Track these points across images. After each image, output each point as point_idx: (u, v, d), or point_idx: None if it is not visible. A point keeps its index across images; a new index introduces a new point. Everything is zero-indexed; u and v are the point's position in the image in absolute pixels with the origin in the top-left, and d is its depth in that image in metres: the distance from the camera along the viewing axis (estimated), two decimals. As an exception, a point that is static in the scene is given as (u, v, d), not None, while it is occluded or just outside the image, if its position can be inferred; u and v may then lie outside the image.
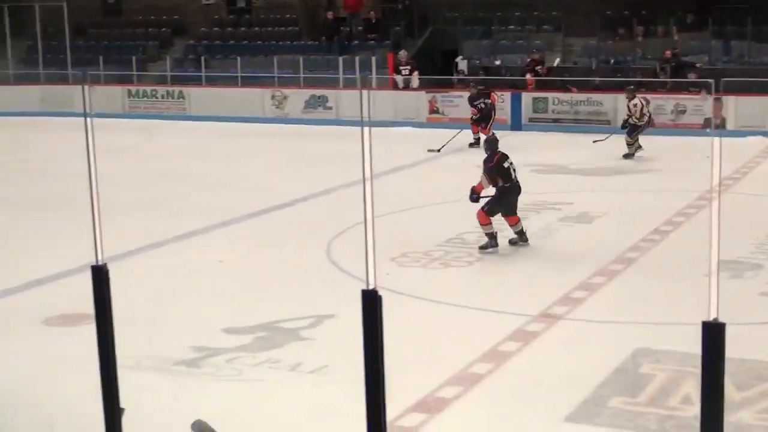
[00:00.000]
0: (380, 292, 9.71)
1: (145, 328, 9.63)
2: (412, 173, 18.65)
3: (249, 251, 12.94)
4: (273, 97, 27.73)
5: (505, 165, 12.71)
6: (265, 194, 16.53)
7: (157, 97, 29.05)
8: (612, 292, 10.94)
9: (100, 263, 3.41)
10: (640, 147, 20.58)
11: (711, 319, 2.91)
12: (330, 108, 26.78)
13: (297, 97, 27.28)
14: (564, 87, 25.65)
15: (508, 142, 22.59)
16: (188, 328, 9.76)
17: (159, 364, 8.76)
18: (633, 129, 20.52)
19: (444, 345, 9.19)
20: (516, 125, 25.04)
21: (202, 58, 29.88)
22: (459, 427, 7.47)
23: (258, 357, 8.90)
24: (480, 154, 13.82)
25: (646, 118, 20.73)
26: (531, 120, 25.18)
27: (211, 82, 29.33)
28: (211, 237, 13.84)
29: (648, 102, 21.23)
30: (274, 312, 10.14)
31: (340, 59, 28.23)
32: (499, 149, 12.91)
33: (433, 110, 25.99)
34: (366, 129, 3.04)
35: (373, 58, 27.97)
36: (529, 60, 26.86)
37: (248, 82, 28.62)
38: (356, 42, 30.07)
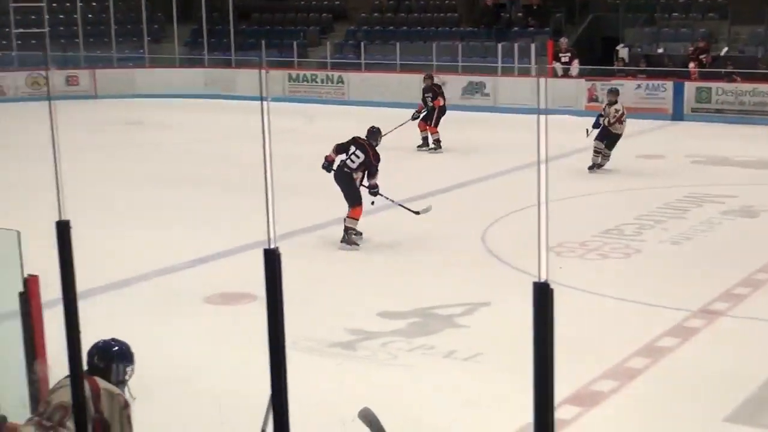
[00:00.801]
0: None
1: (303, 309, 9.78)
2: (569, 162, 18.41)
3: (404, 236, 13.00)
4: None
5: None
6: (421, 180, 16.58)
7: (316, 82, 29.42)
8: (775, 286, 10.64)
9: (272, 247, 3.46)
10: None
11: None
12: (487, 95, 26.70)
13: (455, 84, 27.25)
14: (728, 77, 24.95)
15: (670, 132, 22.20)
16: (345, 311, 9.89)
17: (315, 345, 8.89)
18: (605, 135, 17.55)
19: (600, 337, 9.08)
20: (678, 115, 24.49)
21: (362, 44, 30.12)
22: (614, 421, 7.39)
23: (413, 342, 8.96)
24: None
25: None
26: (693, 110, 24.58)
27: (370, 67, 29.55)
28: (368, 221, 13.93)
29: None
30: (430, 298, 10.19)
31: (499, 46, 28.07)
32: None
33: (592, 98, 25.61)
34: (542, 117, 3.01)
35: (533, 45, 27.73)
36: (693, 48, 26.20)
37: (406, 68, 28.72)
38: (516, 29, 29.85)
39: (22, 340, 5.77)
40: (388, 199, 12.85)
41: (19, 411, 5.71)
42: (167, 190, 15.58)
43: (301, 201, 14.92)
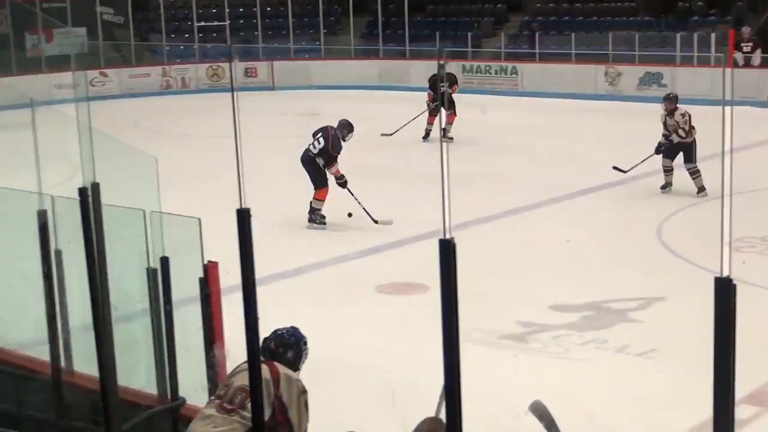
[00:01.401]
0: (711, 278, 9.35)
1: (475, 300, 9.76)
2: (750, 155, 17.86)
3: (578, 229, 12.87)
4: (606, 73, 27.34)
5: None
6: (595, 172, 16.35)
7: (490, 73, 29.33)
8: None
9: (447, 237, 3.48)
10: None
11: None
12: (665, 85, 26.04)
13: (631, 74, 26.77)
14: None
15: None
16: (516, 303, 9.85)
17: (486, 337, 8.89)
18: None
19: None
20: None
21: (536, 35, 29.88)
22: (795, 423, 7.15)
23: (585, 336, 8.86)
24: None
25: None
26: None
27: (545, 58, 29.30)
28: (541, 213, 13.86)
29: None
30: (603, 291, 10.06)
31: (678, 36, 27.42)
32: None
33: (777, 89, 24.78)
34: (727, 108, 2.94)
35: (713, 35, 26.98)
36: None
37: (581, 58, 28.36)
38: (695, 18, 29.10)
39: (202, 325, 5.94)
40: (353, 195, 12.99)
41: (198, 394, 5.89)
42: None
43: (475, 191, 14.91)
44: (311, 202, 13.17)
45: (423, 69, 28.02)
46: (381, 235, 12.41)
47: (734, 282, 2.91)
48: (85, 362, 6.04)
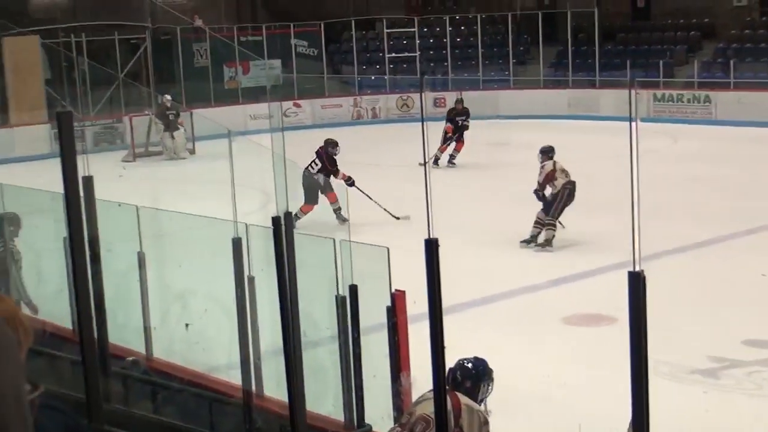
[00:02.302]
0: None
1: (663, 333, 9.57)
2: None
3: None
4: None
5: None
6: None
7: (682, 102, 28.72)
8: None
9: (637, 269, 3.45)
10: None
11: None
12: None
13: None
14: None
15: None
16: (708, 337, 9.59)
17: (675, 371, 8.68)
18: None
19: None
20: None
21: (731, 62, 29.11)
22: None
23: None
24: None
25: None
26: None
27: (740, 86, 28.50)
28: (734, 245, 13.48)
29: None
30: None
31: None
32: None
33: None
34: None
35: None
36: None
37: (780, 86, 27.50)
38: None
39: (389, 353, 6.02)
40: (364, 193, 14.92)
41: (384, 421, 5.96)
42: (529, 209, 15.73)
43: (665, 221, 14.60)
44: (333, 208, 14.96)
45: (612, 98, 27.70)
46: (569, 265, 12.30)
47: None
48: (275, 387, 6.19)
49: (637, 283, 3.53)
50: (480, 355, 5.64)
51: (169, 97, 24.78)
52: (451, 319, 10.41)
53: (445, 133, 21.80)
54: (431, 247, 4.11)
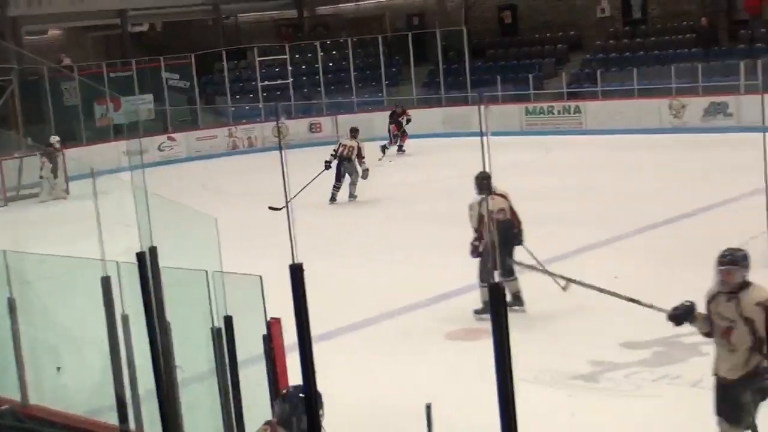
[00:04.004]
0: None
1: (543, 341, 9.75)
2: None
3: (641, 265, 12.76)
4: (670, 106, 27.17)
5: None
6: (657, 207, 16.23)
7: (553, 113, 29.30)
8: None
9: (496, 280, 3.50)
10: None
11: None
12: (730, 115, 25.87)
13: (695, 106, 26.57)
14: None
15: None
16: (585, 342, 9.77)
17: (556, 378, 8.83)
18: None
19: None
20: None
21: (598, 72, 29.81)
22: None
23: (657, 372, 8.77)
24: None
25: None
26: None
27: (607, 95, 29.20)
28: (605, 251, 13.77)
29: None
30: (675, 327, 9.91)
31: (741, 64, 27.17)
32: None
33: None
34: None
35: (778, 61, 26.69)
36: None
37: (644, 93, 28.22)
38: (759, 45, 28.82)
39: (267, 381, 5.99)
40: None
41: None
42: (416, 228, 15.90)
43: (539, 232, 14.87)
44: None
45: (488, 115, 28.06)
46: (449, 281, 12.37)
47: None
48: (152, 425, 6.12)
49: (495, 296, 3.60)
50: (362, 376, 5.64)
51: (57, 138, 24.42)
52: (333, 344, 10.39)
53: (391, 131, 27.24)
54: (296, 273, 4.13)
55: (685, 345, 9.38)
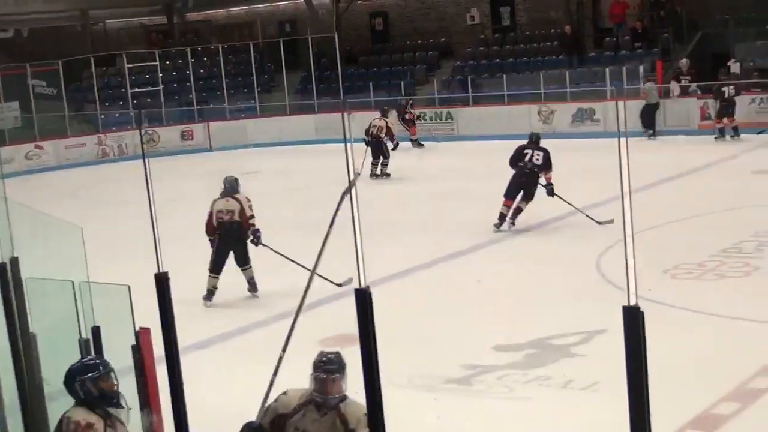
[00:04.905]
0: (655, 307, 9.46)
1: (416, 346, 9.81)
2: (685, 182, 18.15)
3: (518, 267, 12.96)
4: (539, 112, 27.66)
5: None
6: (534, 210, 16.47)
7: (426, 120, 29.54)
8: None
9: (363, 286, 3.51)
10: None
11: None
12: (597, 120, 26.47)
13: (564, 112, 27.11)
14: None
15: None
16: (460, 346, 9.86)
17: (430, 382, 8.89)
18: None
19: (720, 359, 8.88)
20: (800, 129, 23.91)
21: (469, 79, 30.16)
22: (738, 445, 7.22)
23: (529, 374, 8.89)
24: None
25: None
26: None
27: (478, 102, 29.58)
28: (481, 255, 13.93)
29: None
30: (544, 328, 10.10)
31: (607, 70, 27.82)
32: None
33: (705, 117, 25.17)
34: (623, 140, 3.01)
35: (641, 68, 27.43)
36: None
37: (514, 99, 28.67)
38: (623, 52, 29.56)
39: (137, 391, 5.89)
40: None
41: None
42: (285, 236, 15.77)
43: (417, 237, 15.01)
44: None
45: (358, 121, 28.18)
46: (319, 288, 12.34)
47: (642, 310, 2.96)
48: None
49: (363, 300, 3.60)
50: (230, 384, 5.59)
51: None
52: (206, 353, 10.27)
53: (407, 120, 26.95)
54: (161, 281, 4.08)
55: (556, 347, 9.58)
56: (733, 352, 9.06)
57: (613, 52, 29.79)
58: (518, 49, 32.19)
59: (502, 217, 15.08)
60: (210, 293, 12.27)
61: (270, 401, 5.46)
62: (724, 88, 24.05)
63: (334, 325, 10.87)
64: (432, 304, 11.52)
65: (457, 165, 23.48)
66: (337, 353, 5.44)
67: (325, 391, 5.31)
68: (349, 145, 3.85)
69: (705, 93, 25.50)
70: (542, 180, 15.07)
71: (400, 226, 15.98)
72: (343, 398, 5.36)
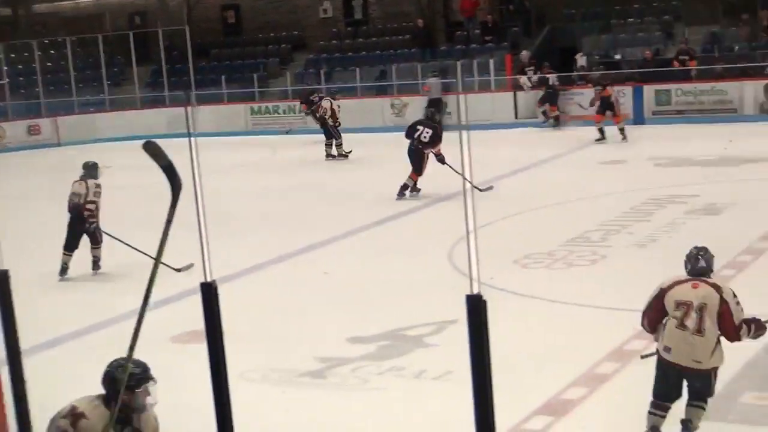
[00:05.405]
0: (505, 296, 9.61)
1: (271, 341, 9.77)
2: (531, 174, 18.51)
3: (370, 259, 13.01)
4: (392, 105, 27.84)
5: None
6: (388, 202, 16.59)
7: (279, 113, 29.43)
8: (742, 284, 10.62)
9: (209, 280, 3.46)
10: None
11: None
12: (449, 113, 26.77)
13: (417, 104, 27.33)
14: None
15: (631, 136, 22.29)
16: (314, 340, 9.85)
17: (285, 376, 8.86)
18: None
19: (569, 346, 9.07)
20: (639, 119, 24.65)
21: (322, 71, 30.18)
22: (586, 429, 7.37)
23: (382, 365, 8.93)
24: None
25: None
26: (654, 113, 24.78)
27: (332, 94, 29.58)
28: (336, 247, 13.94)
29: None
30: (398, 320, 10.16)
31: (458, 64, 28.21)
32: None
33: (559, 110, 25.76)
34: (464, 133, 3.04)
35: (491, 61, 27.89)
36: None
37: (368, 92, 28.79)
38: (474, 45, 30.01)
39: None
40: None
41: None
42: (137, 231, 15.53)
43: (269, 232, 14.93)
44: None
45: (210, 115, 27.98)
46: (172, 284, 12.17)
47: (484, 299, 3.00)
48: None
49: (209, 294, 3.56)
50: (78, 393, 5.42)
51: None
52: (56, 353, 9.99)
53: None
54: (3, 282, 3.96)
55: (409, 338, 9.64)
56: (582, 338, 9.26)
57: (464, 45, 30.21)
58: (371, 42, 32.38)
59: (405, 188, 16.87)
60: (63, 269, 12.91)
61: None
62: (550, 78, 25.09)
63: (187, 320, 10.74)
64: (284, 299, 11.48)
65: (314, 157, 23.45)
66: (141, 363, 5.30)
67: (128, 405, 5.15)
68: (193, 139, 3.80)
69: (562, 85, 26.09)
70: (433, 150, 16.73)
71: (250, 221, 15.90)
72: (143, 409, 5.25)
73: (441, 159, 16.61)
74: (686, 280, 6.85)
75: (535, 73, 26.78)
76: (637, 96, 24.86)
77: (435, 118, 17.80)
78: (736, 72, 24.84)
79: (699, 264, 6.93)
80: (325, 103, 23.09)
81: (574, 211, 14.99)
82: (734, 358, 8.16)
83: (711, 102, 24.23)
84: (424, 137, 16.83)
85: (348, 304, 11.01)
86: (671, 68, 25.63)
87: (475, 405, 2.94)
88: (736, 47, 26.72)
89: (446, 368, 8.65)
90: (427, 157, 16.93)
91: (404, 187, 16.89)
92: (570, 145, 21.44)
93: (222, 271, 10.91)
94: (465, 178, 3.05)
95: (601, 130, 21.74)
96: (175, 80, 32.50)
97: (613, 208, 14.72)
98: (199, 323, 10.10)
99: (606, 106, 21.78)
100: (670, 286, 6.85)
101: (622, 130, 21.67)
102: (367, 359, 9.13)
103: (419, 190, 17.00)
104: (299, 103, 26.31)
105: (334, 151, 22.80)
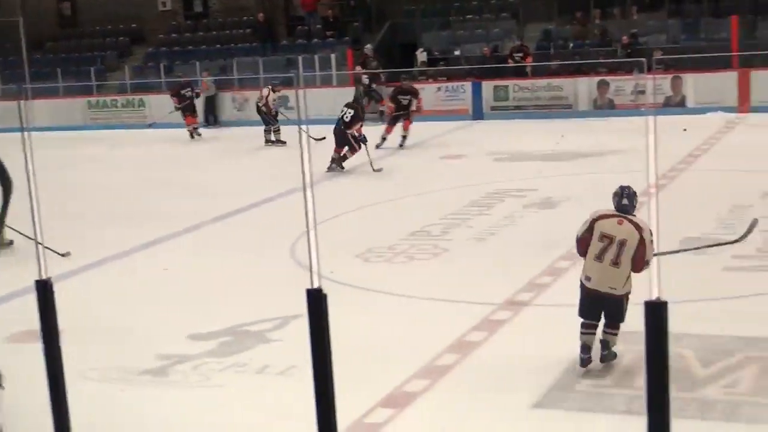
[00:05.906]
0: (346, 290, 9.67)
1: (112, 339, 9.60)
2: (369, 169, 18.66)
3: (212, 256, 12.91)
4: (234, 100, 27.65)
5: None
6: (231, 198, 16.48)
7: (117, 107, 28.90)
8: (577, 275, 10.93)
9: (44, 277, 3.38)
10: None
11: (653, 298, 2.93)
12: (292, 108, 26.71)
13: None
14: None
15: (471, 132, 22.69)
16: (155, 337, 9.71)
17: (125, 375, 8.71)
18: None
19: (410, 338, 9.18)
20: (478, 115, 25.10)
21: (161, 65, 29.75)
22: (428, 420, 7.46)
23: (224, 362, 8.86)
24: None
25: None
26: (493, 109, 25.25)
27: (172, 87, 29.22)
28: (176, 244, 13.80)
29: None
30: (240, 316, 10.11)
31: (300, 58, 28.20)
32: None
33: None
34: (304, 127, 3.06)
35: (333, 56, 27.96)
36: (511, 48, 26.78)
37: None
38: (316, 40, 30.05)
39: None
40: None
41: None
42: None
43: (109, 228, 14.67)
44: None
45: (46, 108, 27.27)
46: (6, 282, 11.84)
47: (324, 292, 3.02)
48: None
49: (43, 293, 3.47)
50: None
51: None
52: None
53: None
54: None
55: (252, 333, 9.60)
56: (422, 330, 9.37)
57: (306, 40, 30.21)
58: (211, 36, 32.08)
59: (332, 161, 18.43)
60: None
61: None
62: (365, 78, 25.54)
63: (24, 320, 10.46)
64: (124, 296, 11.29)
65: (153, 154, 23.13)
66: None
67: None
68: (26, 134, 3.70)
69: (391, 81, 26.31)
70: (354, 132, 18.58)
71: (88, 217, 15.59)
72: None
73: (363, 138, 18.58)
74: (613, 215, 7.78)
75: (377, 68, 26.94)
76: (476, 92, 25.31)
77: (360, 100, 20.24)
78: (571, 69, 25.52)
79: (622, 201, 7.79)
80: (264, 91, 23.55)
81: (414, 205, 15.17)
82: (570, 347, 8.42)
83: (547, 98, 24.84)
84: (346, 117, 18.61)
85: (189, 301, 10.90)
86: (508, 65, 26.17)
87: (316, 399, 2.96)
88: (571, 44, 27.48)
89: (289, 363, 8.64)
90: (351, 136, 18.61)
91: (332, 161, 18.47)
92: (408, 140, 21.64)
93: (60, 268, 10.69)
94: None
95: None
96: (8, 73, 31.59)
97: (453, 203, 14.95)
98: (36, 322, 9.87)
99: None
100: (599, 218, 7.80)
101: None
102: (209, 356, 9.06)
103: (343, 168, 18.56)
104: (170, 95, 26.13)
105: (272, 136, 23.30)
